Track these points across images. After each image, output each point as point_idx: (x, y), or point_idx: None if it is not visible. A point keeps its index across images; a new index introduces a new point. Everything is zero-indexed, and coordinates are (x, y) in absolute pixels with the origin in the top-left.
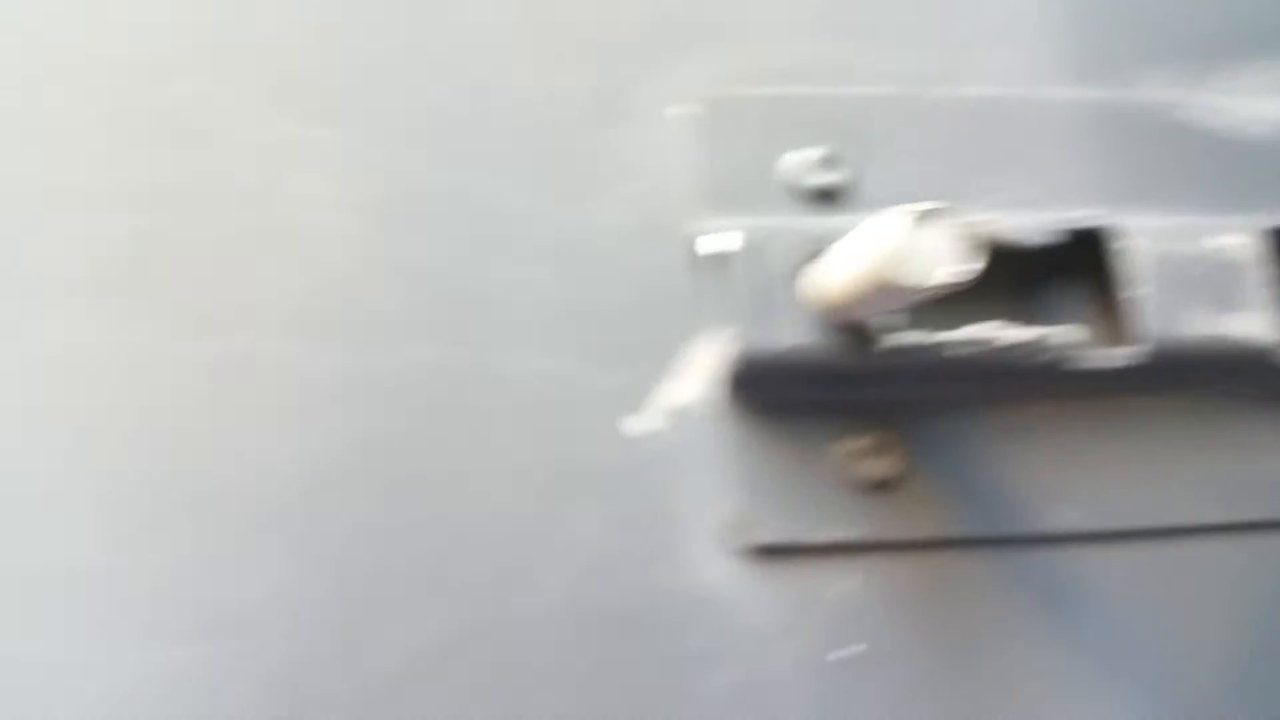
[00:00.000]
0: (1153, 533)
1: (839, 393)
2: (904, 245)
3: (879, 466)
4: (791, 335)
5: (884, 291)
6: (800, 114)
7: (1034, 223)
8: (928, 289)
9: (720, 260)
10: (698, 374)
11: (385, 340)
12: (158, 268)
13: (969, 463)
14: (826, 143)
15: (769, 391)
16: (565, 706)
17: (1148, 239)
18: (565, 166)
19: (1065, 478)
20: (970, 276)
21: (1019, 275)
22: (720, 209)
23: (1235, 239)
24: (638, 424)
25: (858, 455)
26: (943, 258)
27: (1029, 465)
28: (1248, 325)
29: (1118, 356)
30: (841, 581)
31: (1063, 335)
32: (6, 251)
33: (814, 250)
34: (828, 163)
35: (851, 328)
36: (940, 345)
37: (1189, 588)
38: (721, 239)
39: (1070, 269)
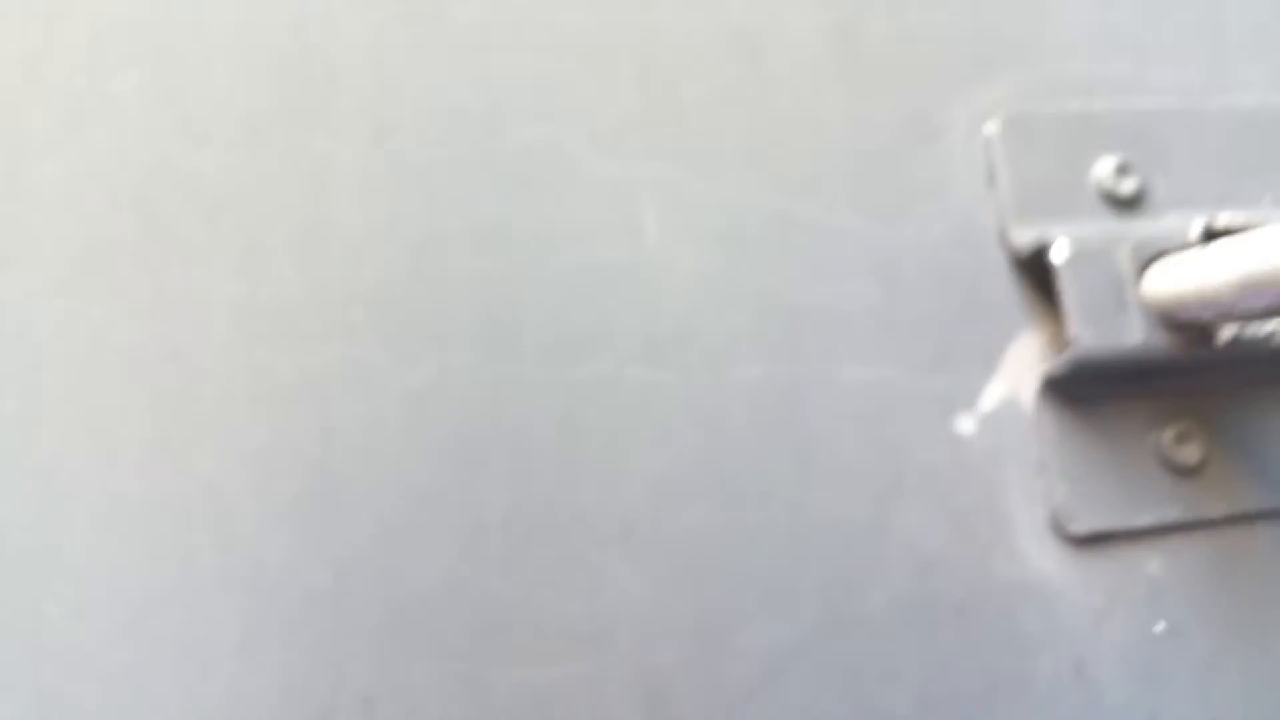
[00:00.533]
0: None
1: (1151, 386)
2: None
3: (1188, 452)
4: (1134, 334)
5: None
6: (1097, 127)
7: None
8: None
9: (1053, 269)
10: (1018, 374)
11: (727, 359)
12: (512, 304)
13: (1266, 445)
14: (1121, 152)
15: (1086, 387)
16: (911, 698)
17: None
18: (884, 186)
19: None
20: None
21: None
22: (1033, 217)
23: None
24: (965, 424)
25: (1169, 443)
26: None
27: None
28: None
29: None
30: (1158, 561)
31: None
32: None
33: (1146, 254)
34: (1123, 170)
35: (1188, 326)
36: (1269, 336)
37: None
38: (1058, 247)
39: None
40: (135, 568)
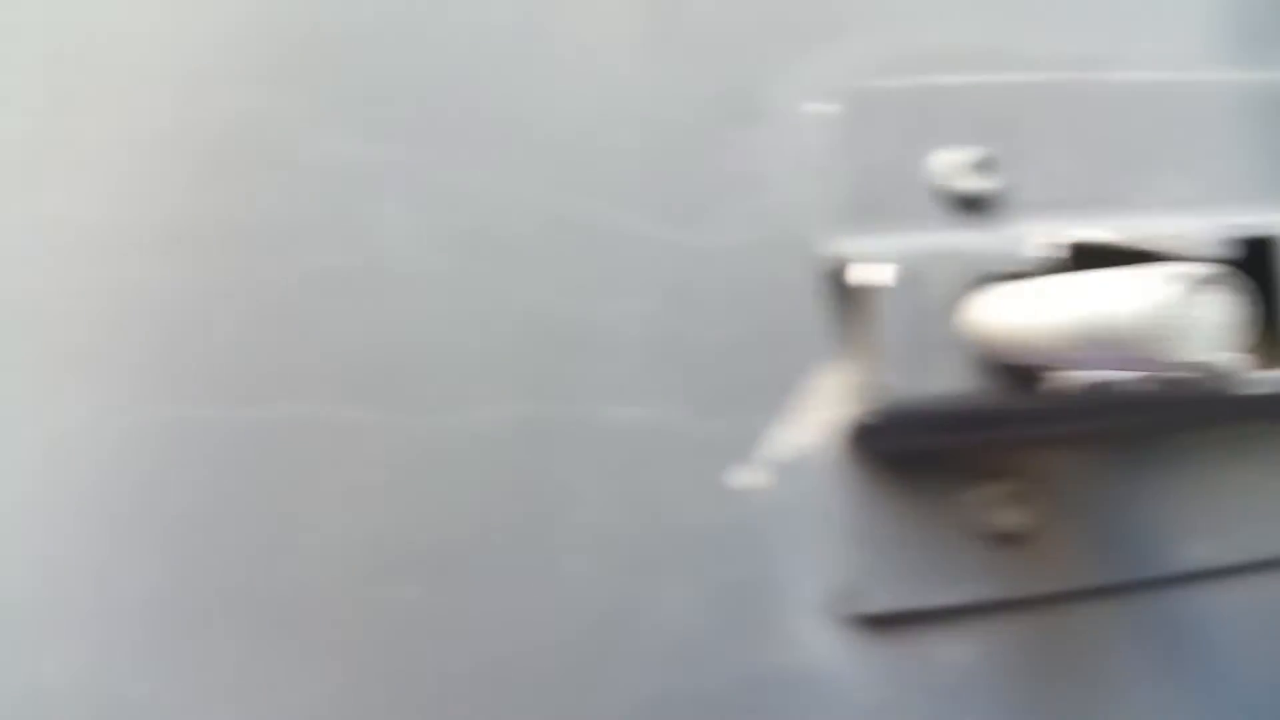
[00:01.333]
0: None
1: (977, 436)
2: (1177, 319)
3: (1013, 516)
4: (948, 379)
5: (1131, 359)
6: (951, 107)
7: (1203, 235)
8: (1200, 371)
9: (868, 293)
10: (815, 418)
11: (467, 398)
12: (195, 323)
13: (1104, 504)
14: (981, 142)
15: (899, 437)
16: None
17: None
18: (681, 179)
19: (1197, 511)
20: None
21: None
22: (860, 223)
23: None
24: (743, 478)
25: (989, 506)
26: (1215, 335)
27: (1164, 501)
28: None
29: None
30: (967, 647)
31: (1231, 361)
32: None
33: (976, 277)
34: (983, 166)
35: (1014, 367)
36: (1110, 382)
37: None
38: (874, 270)
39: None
40: None
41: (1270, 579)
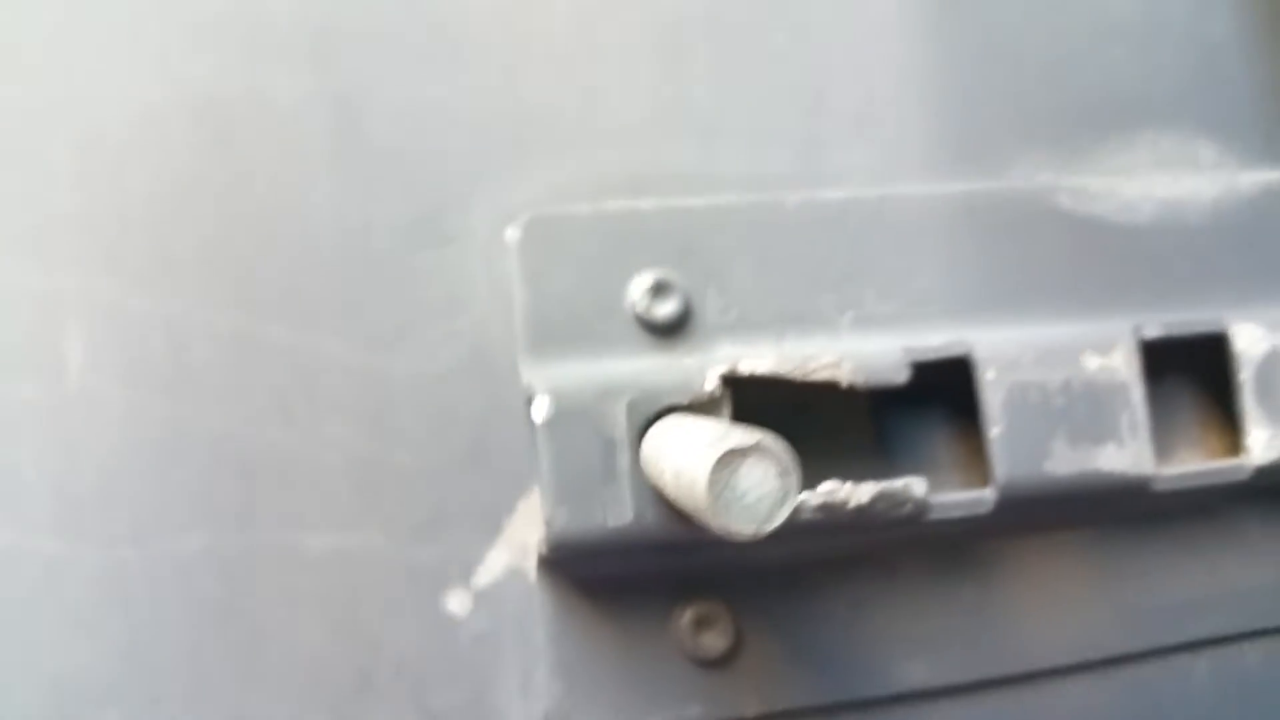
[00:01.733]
0: (1001, 681)
1: (668, 561)
2: (719, 493)
3: (711, 640)
4: (622, 514)
5: (694, 509)
6: (636, 231)
7: (890, 359)
8: (747, 537)
9: (533, 426)
10: (525, 539)
11: (157, 530)
12: None
13: (806, 627)
14: (664, 264)
15: (584, 566)
16: None
17: (1009, 368)
18: (381, 304)
19: (911, 632)
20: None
21: (872, 403)
22: (550, 348)
23: (1109, 360)
24: (456, 603)
25: (689, 629)
26: (766, 500)
27: (870, 623)
28: (1120, 458)
29: (975, 503)
30: None
31: (920, 486)
32: None
33: (651, 406)
34: (660, 289)
35: None
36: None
37: None
38: (535, 405)
39: (925, 396)
40: None
41: (994, 698)
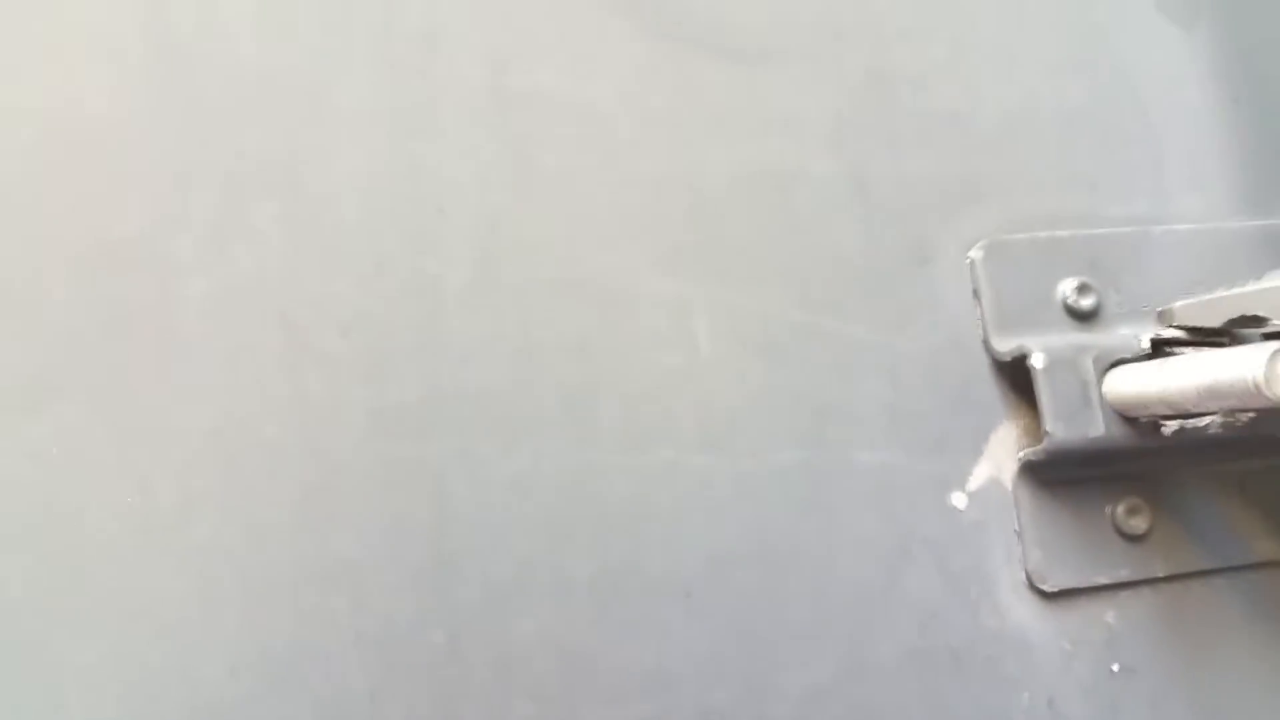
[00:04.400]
0: None
1: (1108, 468)
2: (1271, 370)
3: (1137, 523)
4: (1097, 428)
5: (1242, 400)
6: (1060, 252)
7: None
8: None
9: (1033, 370)
10: (1000, 458)
11: (767, 448)
12: (593, 403)
13: (1199, 516)
14: (1080, 273)
15: (1055, 470)
16: None
17: None
18: (890, 302)
19: (1265, 519)
20: None
21: None
22: (1010, 328)
23: None
24: (957, 500)
25: (1121, 515)
26: None
27: (1240, 512)
28: None
29: None
30: (1114, 612)
31: None
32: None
33: (1106, 361)
34: (1083, 289)
35: (1140, 420)
36: (1205, 427)
37: None
38: (1036, 356)
39: None
40: (283, 631)
41: None
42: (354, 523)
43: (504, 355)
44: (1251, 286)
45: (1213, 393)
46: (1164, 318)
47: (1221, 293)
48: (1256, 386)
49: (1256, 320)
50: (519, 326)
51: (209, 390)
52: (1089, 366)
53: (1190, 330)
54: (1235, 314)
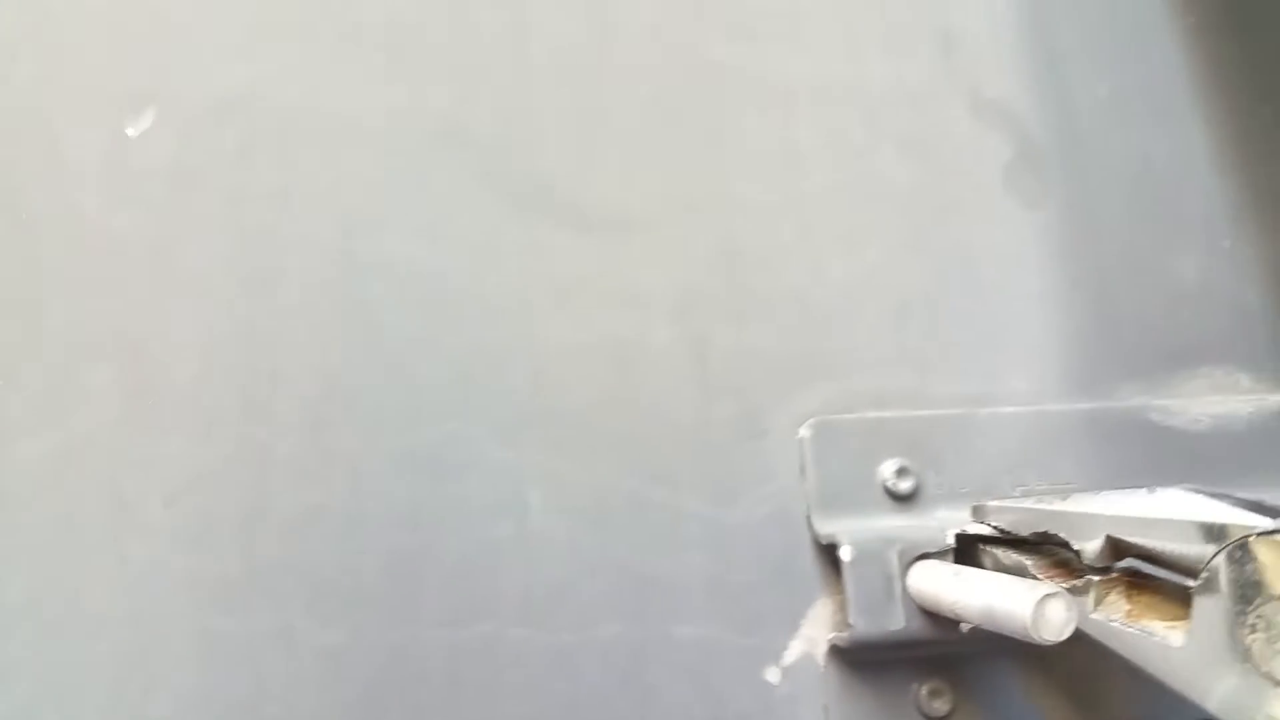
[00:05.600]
0: None
1: (912, 653)
2: (1037, 614)
3: (939, 705)
4: (897, 621)
5: (1014, 632)
6: (885, 433)
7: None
8: (1048, 642)
9: (841, 563)
10: (814, 634)
11: (589, 620)
12: (418, 576)
13: (998, 696)
14: (901, 454)
15: (861, 653)
16: None
17: None
18: (721, 475)
19: (1066, 704)
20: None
21: None
22: (833, 507)
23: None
24: (772, 675)
25: (924, 697)
26: (1057, 622)
27: (1043, 697)
28: None
29: None
30: None
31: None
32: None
33: (911, 555)
34: (902, 472)
35: (940, 616)
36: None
37: None
38: (845, 549)
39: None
40: None
41: None
42: (171, 693)
43: (330, 527)
44: (1057, 505)
45: (990, 618)
46: (977, 514)
47: (1031, 504)
48: (1024, 628)
49: (1059, 539)
50: (348, 495)
51: (32, 552)
52: (894, 560)
53: (999, 530)
54: (1040, 529)
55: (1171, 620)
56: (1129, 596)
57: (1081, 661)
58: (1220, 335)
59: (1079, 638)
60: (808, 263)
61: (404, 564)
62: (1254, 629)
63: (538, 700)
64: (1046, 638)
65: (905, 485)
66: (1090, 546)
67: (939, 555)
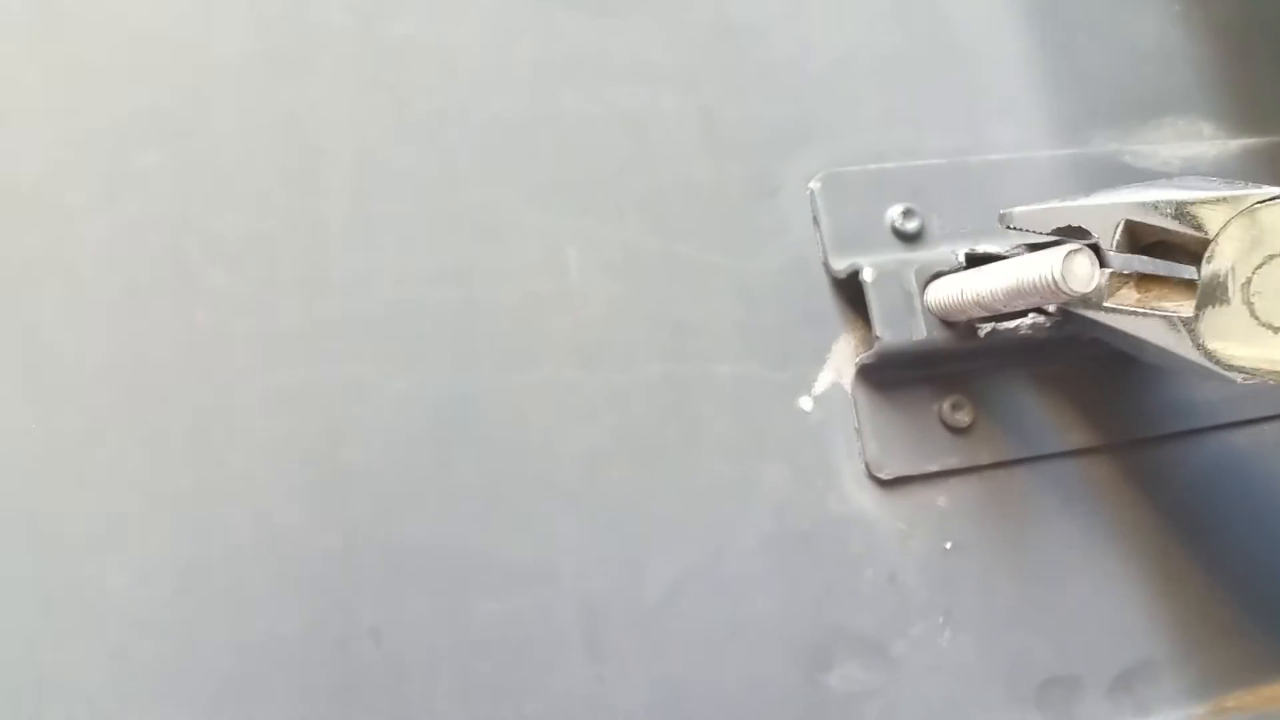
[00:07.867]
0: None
1: (934, 369)
2: (1065, 268)
3: (961, 416)
4: (919, 332)
5: (1042, 296)
6: (888, 182)
7: None
8: (1077, 294)
9: (864, 284)
10: (840, 365)
11: (634, 362)
12: (472, 328)
13: (1015, 411)
14: (905, 200)
15: (887, 372)
16: (777, 606)
17: None
18: (740, 230)
19: (1074, 412)
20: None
21: None
22: (846, 250)
23: None
24: (805, 403)
25: (947, 410)
26: (1083, 274)
27: (1052, 407)
28: None
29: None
30: (944, 496)
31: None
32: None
33: (927, 273)
34: (908, 214)
35: (958, 325)
36: (1015, 329)
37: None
38: (867, 271)
39: None
40: (185, 541)
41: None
42: (249, 442)
43: (385, 283)
44: (1081, 200)
45: (1018, 292)
46: (1004, 219)
47: (1055, 204)
48: (1055, 283)
49: (1081, 232)
50: (397, 256)
51: (107, 325)
52: (912, 278)
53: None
54: (1064, 224)
55: (1179, 303)
56: (1139, 290)
57: (1091, 377)
58: (1181, 89)
59: (1091, 345)
60: (797, 35)
61: (457, 318)
62: (1259, 291)
63: (595, 432)
64: (1075, 289)
65: (912, 225)
66: (1108, 237)
67: (951, 273)
